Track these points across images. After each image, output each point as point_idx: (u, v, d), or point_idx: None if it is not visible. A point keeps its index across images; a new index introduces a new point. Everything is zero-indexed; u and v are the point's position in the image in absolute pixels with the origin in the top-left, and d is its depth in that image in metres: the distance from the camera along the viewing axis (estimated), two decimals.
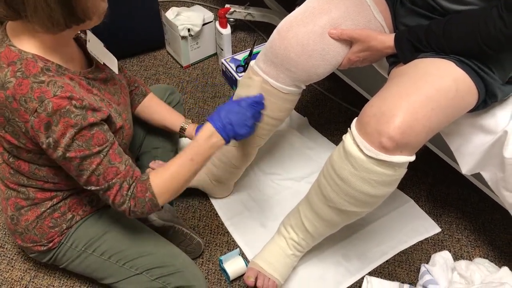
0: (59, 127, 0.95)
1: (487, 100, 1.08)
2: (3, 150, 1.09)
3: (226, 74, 1.91)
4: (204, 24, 1.91)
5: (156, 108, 1.39)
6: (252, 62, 1.32)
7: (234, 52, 2.01)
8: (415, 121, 0.98)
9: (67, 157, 0.98)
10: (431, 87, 1.01)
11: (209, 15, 1.92)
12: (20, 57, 0.96)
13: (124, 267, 1.19)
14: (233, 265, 1.34)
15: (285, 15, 2.03)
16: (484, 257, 1.43)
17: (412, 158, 1.03)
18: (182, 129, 1.39)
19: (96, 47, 1.14)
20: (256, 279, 1.26)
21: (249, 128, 1.12)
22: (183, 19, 1.88)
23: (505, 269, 1.27)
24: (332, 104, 1.88)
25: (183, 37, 1.89)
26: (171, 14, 1.90)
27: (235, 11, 2.02)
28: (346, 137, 1.08)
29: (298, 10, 1.22)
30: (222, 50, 1.93)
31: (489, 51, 1.00)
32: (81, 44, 1.14)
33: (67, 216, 1.18)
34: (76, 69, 1.06)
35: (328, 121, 1.83)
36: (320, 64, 1.21)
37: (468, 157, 1.19)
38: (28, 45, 0.97)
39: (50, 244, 1.19)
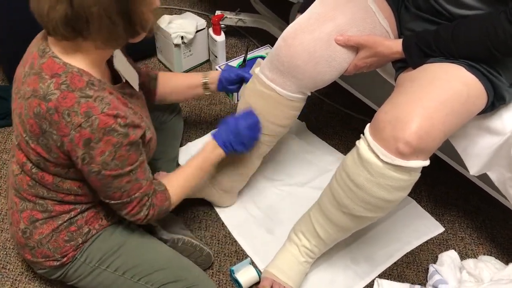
0: (100, 144, 0.95)
1: (495, 103, 1.10)
2: (25, 160, 1.07)
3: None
4: (197, 31, 1.89)
5: (173, 80, 1.44)
6: (256, 70, 1.31)
7: (227, 58, 2.00)
8: (431, 126, 0.99)
9: (102, 174, 0.99)
10: (443, 92, 1.02)
11: (201, 22, 1.91)
12: (66, 70, 0.95)
13: (139, 282, 1.17)
14: (245, 275, 1.33)
15: (276, 20, 2.06)
16: (488, 254, 1.46)
17: (427, 162, 1.04)
18: (205, 85, 1.44)
19: (121, 63, 1.14)
20: None
21: (245, 146, 1.29)
22: (176, 27, 1.86)
23: None
24: (328, 108, 1.89)
25: (176, 45, 1.87)
26: (163, 22, 1.88)
27: (226, 17, 2.01)
28: (360, 143, 1.08)
29: (302, 17, 1.22)
30: (216, 57, 1.92)
31: (498, 55, 1.02)
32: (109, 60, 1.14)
33: (84, 229, 1.15)
34: (109, 83, 1.07)
35: (325, 125, 1.83)
36: (327, 71, 1.21)
37: (475, 158, 1.21)
38: (73, 59, 0.97)
39: (64, 259, 1.15)
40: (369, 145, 1.05)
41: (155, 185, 1.13)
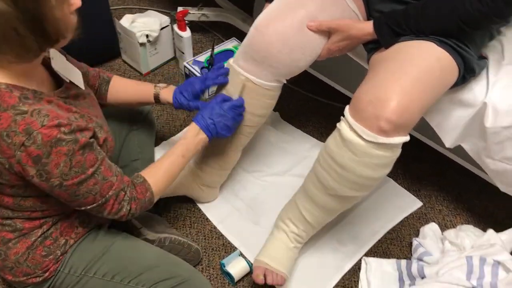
0: (51, 157, 0.90)
1: (465, 76, 1.15)
2: None
3: (190, 76, 1.88)
4: (161, 29, 1.87)
5: (125, 88, 1.35)
6: (230, 61, 1.31)
7: (193, 54, 1.98)
8: (409, 102, 1.02)
9: (64, 185, 0.94)
10: (418, 68, 1.05)
11: (165, 19, 1.89)
12: None
13: (129, 285, 1.15)
14: (236, 267, 1.33)
15: (239, 13, 2.06)
16: (464, 223, 1.52)
17: (408, 138, 1.07)
18: (156, 97, 1.33)
19: (60, 63, 1.07)
20: (264, 276, 1.26)
21: (230, 128, 1.24)
22: (140, 26, 1.83)
23: (491, 231, 1.36)
24: (298, 96, 1.91)
25: (142, 44, 1.84)
26: (126, 21, 1.85)
27: (189, 13, 1.99)
28: (341, 125, 1.10)
29: (273, 6, 1.23)
30: (183, 53, 1.90)
31: (467, 29, 1.06)
32: (45, 63, 1.07)
33: (60, 241, 1.11)
34: (49, 90, 1.01)
35: (298, 113, 1.85)
36: (301, 57, 1.22)
37: (449, 131, 1.26)
38: None
39: (46, 274, 1.12)
40: (350, 126, 1.07)
41: (132, 178, 1.10)
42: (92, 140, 0.98)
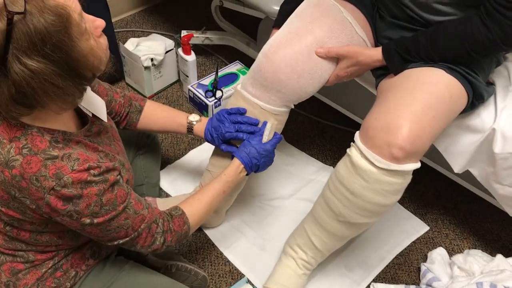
0: (82, 199, 0.89)
1: (474, 102, 1.15)
2: None
3: (194, 100, 1.89)
4: (166, 52, 1.88)
5: (157, 117, 1.34)
6: (238, 87, 1.31)
7: (197, 77, 1.99)
8: (421, 130, 1.02)
9: (95, 223, 0.93)
10: (428, 95, 1.06)
11: (169, 43, 1.90)
12: (24, 132, 0.88)
13: None
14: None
15: (242, 36, 2.08)
16: (472, 247, 1.52)
17: (419, 164, 1.07)
18: (190, 126, 1.32)
19: (84, 97, 1.04)
20: None
21: (266, 166, 1.26)
22: (144, 49, 1.84)
23: (500, 256, 1.35)
24: (303, 119, 1.91)
25: (146, 68, 1.85)
26: (130, 45, 1.85)
27: (192, 36, 2.00)
28: (352, 151, 1.10)
29: (281, 32, 1.23)
30: (187, 76, 1.91)
31: (475, 56, 1.07)
32: None
33: (70, 273, 1.09)
34: (74, 129, 0.99)
35: (303, 136, 1.85)
36: (310, 83, 1.23)
37: (458, 156, 1.26)
38: (29, 118, 0.88)
39: None
40: (361, 153, 1.07)
41: (171, 210, 1.10)
42: (119, 177, 0.98)
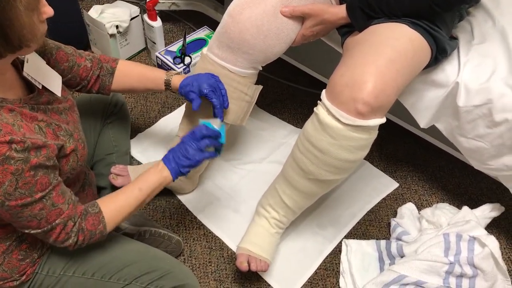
0: None
1: (438, 56, 1.17)
2: None
3: (163, 67, 1.86)
4: (131, 19, 1.83)
5: (131, 75, 1.28)
6: (204, 50, 1.29)
7: (165, 44, 1.96)
8: (385, 84, 1.03)
9: (6, 205, 0.88)
10: (391, 50, 1.06)
11: (135, 9, 1.85)
12: None
13: (110, 281, 1.13)
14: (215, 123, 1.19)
15: (210, 1, 2.04)
16: (440, 202, 1.56)
17: (384, 119, 1.08)
18: (167, 84, 1.27)
19: (35, 67, 1.01)
20: (248, 263, 1.26)
21: (194, 167, 1.13)
22: (109, 17, 1.79)
23: (466, 208, 1.40)
24: (273, 83, 1.91)
25: (112, 35, 1.80)
26: (94, 12, 1.80)
27: (158, 2, 1.96)
28: (319, 109, 1.11)
29: None
30: (155, 43, 1.87)
31: (438, 10, 1.08)
32: (19, 67, 1.01)
33: (37, 244, 1.08)
34: (17, 96, 0.95)
35: (274, 101, 1.85)
36: (276, 43, 1.22)
37: (423, 111, 1.28)
38: None
39: (23, 277, 1.08)
40: (328, 110, 1.08)
41: (88, 206, 1.04)
42: (50, 161, 0.92)
